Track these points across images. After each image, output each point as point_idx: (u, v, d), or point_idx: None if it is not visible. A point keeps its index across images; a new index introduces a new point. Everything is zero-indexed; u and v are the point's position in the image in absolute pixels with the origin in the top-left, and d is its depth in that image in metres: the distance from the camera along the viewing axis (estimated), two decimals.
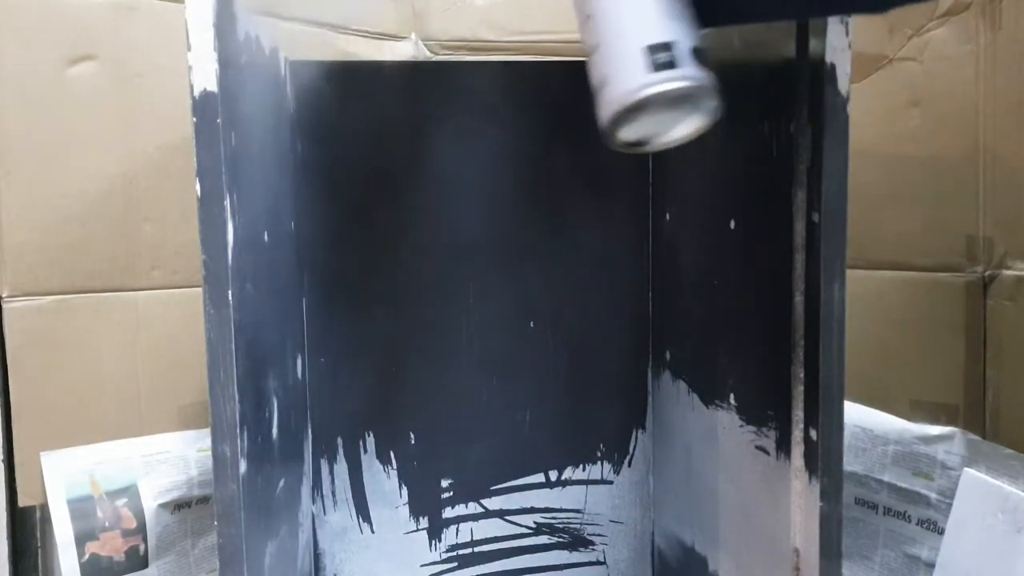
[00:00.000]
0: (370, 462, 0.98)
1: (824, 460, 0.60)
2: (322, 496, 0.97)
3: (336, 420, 0.96)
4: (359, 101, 0.93)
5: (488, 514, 1.00)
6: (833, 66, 0.57)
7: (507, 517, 1.01)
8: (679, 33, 0.47)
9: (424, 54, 1.02)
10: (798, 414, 0.63)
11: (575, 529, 1.02)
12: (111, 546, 0.83)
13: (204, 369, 0.56)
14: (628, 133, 0.49)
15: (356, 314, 0.95)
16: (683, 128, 0.49)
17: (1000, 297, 0.81)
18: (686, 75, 0.46)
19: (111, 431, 0.84)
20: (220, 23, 0.55)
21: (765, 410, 0.69)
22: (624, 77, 0.47)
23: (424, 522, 0.99)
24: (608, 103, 0.48)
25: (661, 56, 0.46)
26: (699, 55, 0.47)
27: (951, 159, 0.84)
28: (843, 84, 0.58)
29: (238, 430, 0.56)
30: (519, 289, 0.98)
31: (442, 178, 0.95)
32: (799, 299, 0.62)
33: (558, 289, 0.98)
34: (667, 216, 0.94)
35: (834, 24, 0.57)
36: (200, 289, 0.56)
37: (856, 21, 0.57)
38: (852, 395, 0.66)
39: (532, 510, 1.01)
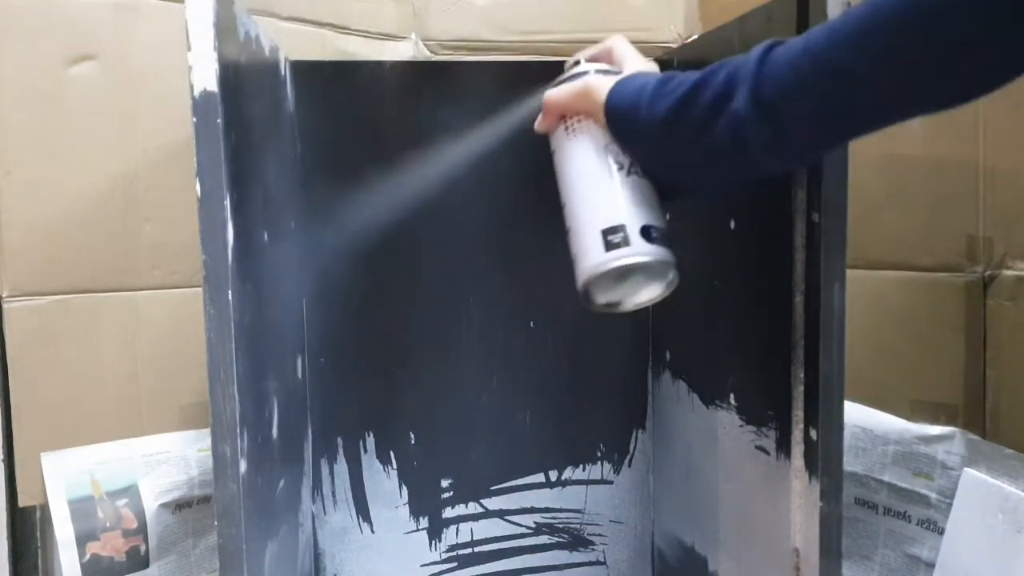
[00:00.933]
0: (370, 462, 0.98)
1: (824, 460, 0.60)
2: (322, 496, 0.97)
3: (336, 420, 0.96)
4: (359, 101, 0.93)
5: (488, 514, 1.00)
6: None
7: (507, 517, 1.01)
8: (630, 217, 0.55)
9: (424, 54, 1.02)
10: (798, 414, 0.63)
11: (575, 529, 1.02)
12: (112, 546, 0.82)
13: (204, 369, 0.56)
14: (599, 298, 0.57)
15: (356, 314, 0.95)
16: (647, 293, 0.58)
17: (1000, 297, 0.81)
18: (635, 252, 0.54)
19: (111, 431, 0.84)
20: (220, 23, 0.55)
21: (765, 410, 0.69)
22: (587, 255, 0.56)
23: (424, 522, 0.99)
24: (578, 276, 0.57)
25: (613, 237, 0.54)
26: (648, 233, 0.55)
27: (951, 159, 0.84)
28: None
29: (238, 430, 0.56)
30: (519, 289, 0.98)
31: (442, 178, 0.95)
32: (799, 299, 0.62)
33: (558, 289, 0.97)
34: (667, 216, 0.93)
35: None
36: (200, 289, 0.56)
37: None
38: (852, 395, 0.66)
39: (532, 510, 1.01)
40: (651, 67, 0.61)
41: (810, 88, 0.46)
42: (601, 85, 0.58)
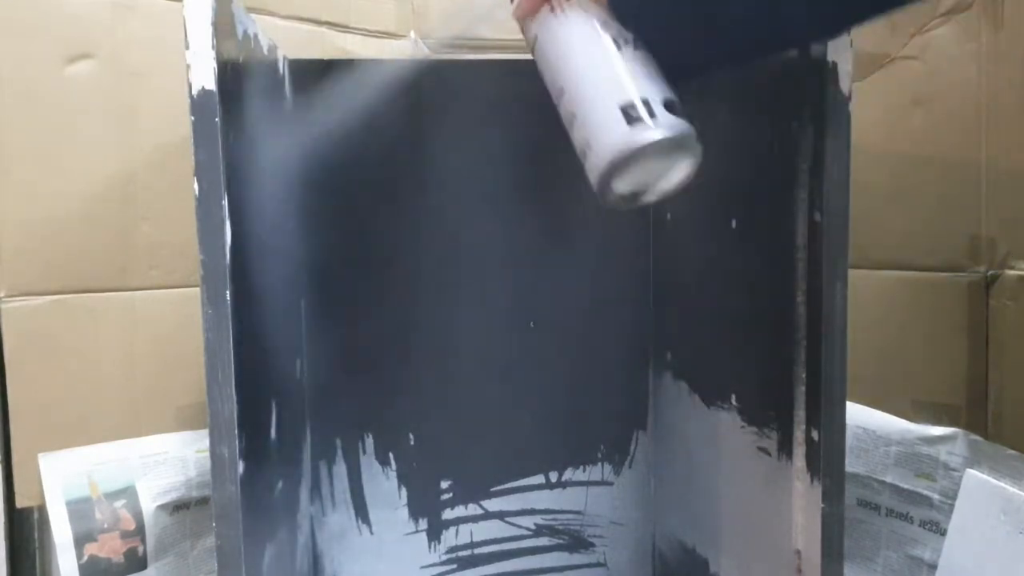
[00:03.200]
0: (369, 463, 0.97)
1: (826, 461, 0.60)
2: (321, 497, 0.97)
3: (335, 421, 0.96)
4: (358, 100, 0.93)
5: (488, 515, 1.00)
6: (835, 64, 0.57)
7: (507, 518, 1.01)
8: (649, 90, 0.51)
9: (423, 52, 1.02)
10: (800, 415, 0.63)
11: (575, 531, 1.02)
12: (110, 547, 0.82)
13: (202, 369, 0.56)
14: (619, 188, 0.52)
15: (355, 314, 0.95)
16: (670, 178, 0.52)
17: (1003, 297, 0.81)
18: (661, 125, 0.49)
19: (109, 432, 0.84)
20: (218, 21, 0.55)
21: (767, 411, 0.68)
22: (605, 138, 0.51)
23: (423, 523, 0.99)
24: (595, 164, 0.52)
25: (635, 112, 0.50)
26: (671, 107, 0.51)
27: (953, 158, 0.84)
28: (845, 83, 0.57)
29: (236, 431, 0.56)
30: (519, 289, 0.97)
31: (441, 177, 0.95)
32: (801, 299, 0.62)
33: (558, 289, 0.98)
34: (668, 216, 0.93)
35: None
36: (198, 289, 0.55)
37: None
38: (854, 396, 0.65)
39: (532, 511, 1.01)
40: None
41: None
42: None
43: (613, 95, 0.51)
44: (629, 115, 0.50)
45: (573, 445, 1.01)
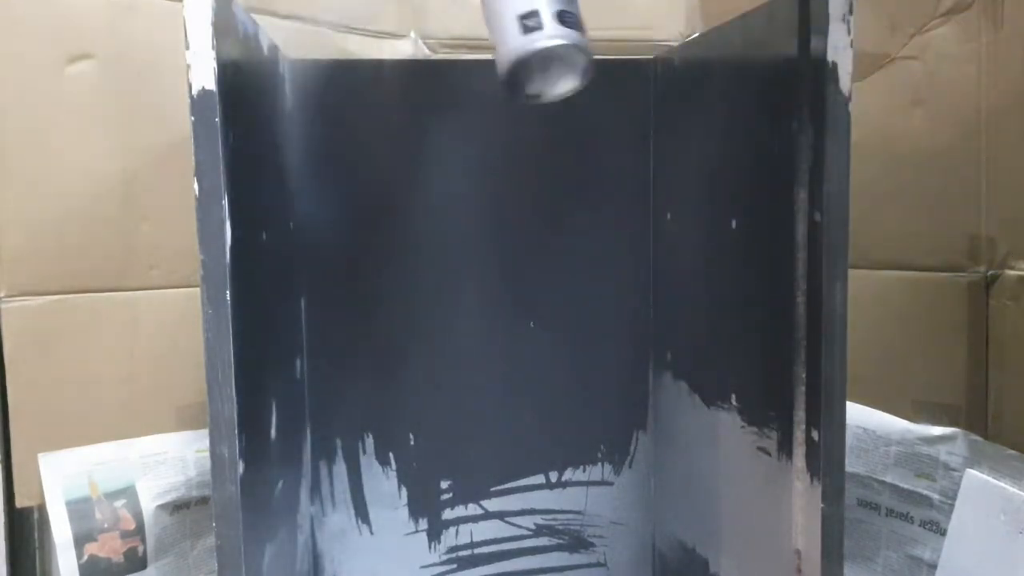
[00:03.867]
0: (369, 463, 0.97)
1: (826, 461, 0.60)
2: (321, 497, 0.97)
3: (335, 421, 0.96)
4: (358, 100, 0.93)
5: (488, 515, 1.00)
6: (835, 64, 0.57)
7: (507, 518, 1.01)
8: (543, 2, 0.56)
9: (423, 52, 1.02)
10: (800, 415, 0.63)
11: (575, 531, 1.02)
12: (109, 547, 0.82)
13: (202, 369, 0.56)
14: (520, 88, 0.58)
15: (355, 314, 0.95)
16: (565, 83, 0.59)
17: (1003, 297, 0.81)
18: (551, 35, 0.55)
19: (109, 432, 0.84)
20: (218, 22, 0.55)
21: (767, 411, 0.68)
22: (505, 43, 0.57)
23: (424, 523, 0.99)
24: (498, 66, 0.58)
25: (529, 22, 0.55)
26: (563, 17, 0.56)
27: (953, 158, 0.84)
28: (845, 83, 0.57)
29: (236, 431, 0.56)
30: (519, 289, 0.97)
31: (441, 177, 0.95)
32: (801, 299, 0.62)
33: (558, 289, 0.98)
34: (668, 216, 0.93)
35: (836, 22, 0.57)
36: (199, 289, 0.55)
37: (858, 19, 0.57)
38: (854, 396, 0.65)
39: (532, 511, 1.01)
40: None
41: None
42: None
43: (512, 5, 0.56)
44: (523, 24, 0.55)
45: (573, 445, 1.01)
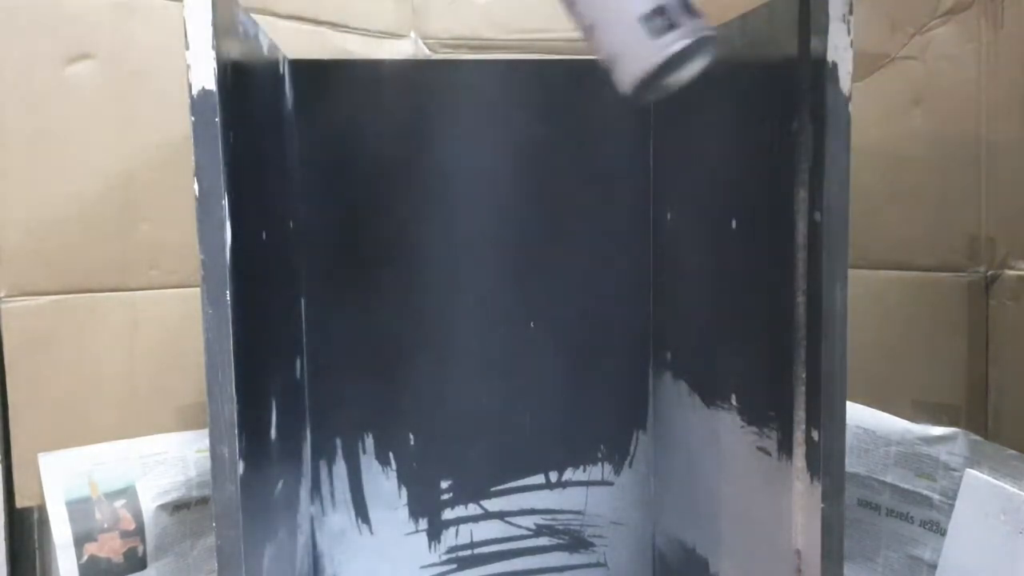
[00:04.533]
0: (369, 463, 0.97)
1: (826, 461, 0.60)
2: (321, 497, 0.97)
3: (335, 421, 0.96)
4: (358, 100, 0.93)
5: (488, 515, 1.00)
6: (835, 65, 0.57)
7: (507, 518, 1.00)
8: None
9: (424, 52, 1.02)
10: (800, 415, 0.63)
11: (576, 531, 1.02)
12: (109, 547, 0.82)
13: (202, 369, 0.56)
14: (648, 94, 0.52)
15: (355, 314, 0.95)
16: (691, 69, 0.52)
17: (1002, 297, 0.81)
18: (687, 31, 0.49)
19: (109, 432, 0.84)
20: (218, 22, 0.55)
21: (767, 411, 0.68)
22: (631, 51, 0.49)
23: (424, 523, 0.99)
24: (625, 78, 0.51)
25: (657, 22, 0.49)
26: (689, 7, 0.49)
27: (953, 158, 0.84)
28: (845, 83, 0.57)
29: (236, 431, 0.56)
30: (519, 289, 0.97)
31: (441, 177, 0.95)
32: (801, 299, 0.62)
33: (558, 289, 0.98)
34: (668, 216, 0.93)
35: (836, 23, 0.57)
36: (199, 289, 0.55)
37: (858, 19, 0.57)
38: (854, 396, 0.65)
39: (532, 511, 1.01)
40: None
41: None
42: None
43: (631, 7, 0.49)
44: (651, 26, 0.49)
45: (573, 445, 1.01)
